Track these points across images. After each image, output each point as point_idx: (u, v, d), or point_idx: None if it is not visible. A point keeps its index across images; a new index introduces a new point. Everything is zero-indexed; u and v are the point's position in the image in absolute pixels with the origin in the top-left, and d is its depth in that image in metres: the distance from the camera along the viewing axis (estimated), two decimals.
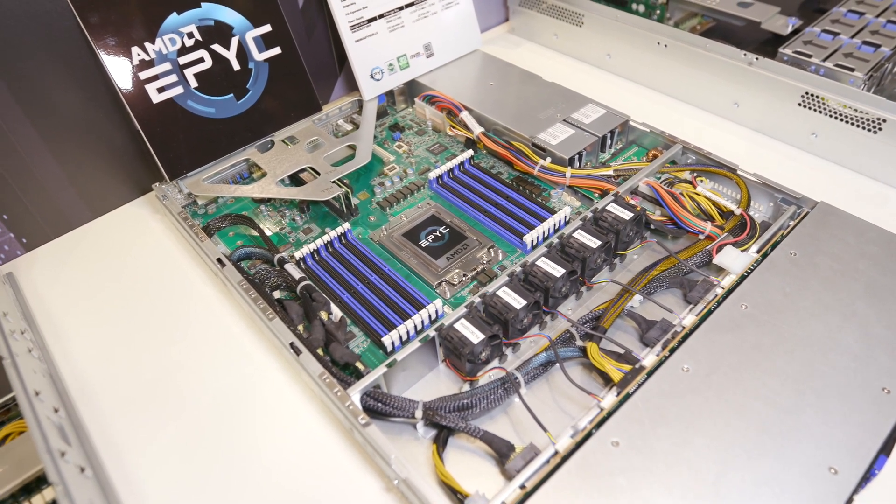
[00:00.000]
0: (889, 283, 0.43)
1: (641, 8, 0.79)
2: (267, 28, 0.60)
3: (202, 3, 0.56)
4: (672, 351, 0.40)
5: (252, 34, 0.59)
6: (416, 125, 0.67)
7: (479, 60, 0.72)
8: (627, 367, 0.40)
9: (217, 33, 0.57)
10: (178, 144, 0.57)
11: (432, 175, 0.58)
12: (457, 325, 0.42)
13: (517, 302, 0.43)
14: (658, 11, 0.78)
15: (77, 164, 0.57)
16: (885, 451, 0.36)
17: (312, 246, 0.52)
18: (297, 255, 0.51)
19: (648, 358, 0.40)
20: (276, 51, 0.61)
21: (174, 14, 0.55)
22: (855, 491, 0.34)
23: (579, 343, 0.44)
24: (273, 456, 0.41)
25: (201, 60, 0.57)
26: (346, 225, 0.54)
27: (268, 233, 0.56)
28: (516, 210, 0.55)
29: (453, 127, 0.63)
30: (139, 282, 0.54)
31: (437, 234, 0.53)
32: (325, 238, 0.52)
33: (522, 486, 0.35)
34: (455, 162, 0.59)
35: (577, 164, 0.57)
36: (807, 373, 0.38)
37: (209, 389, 0.45)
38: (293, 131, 0.63)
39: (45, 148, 0.55)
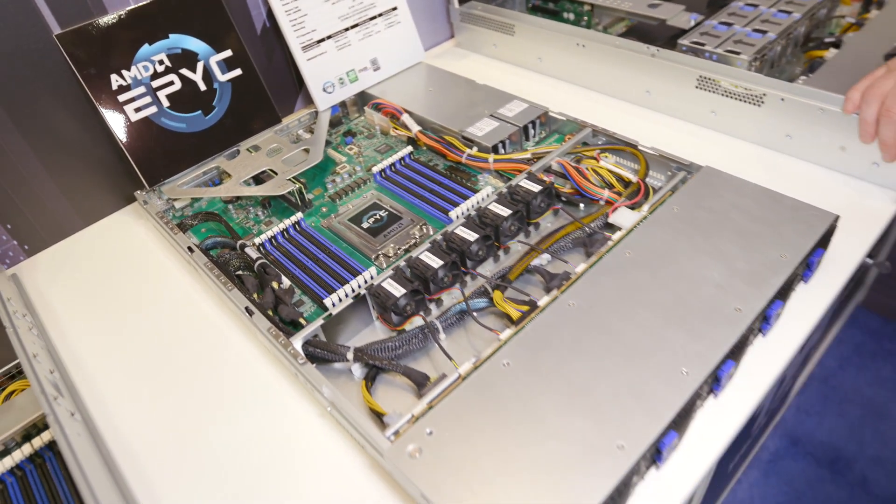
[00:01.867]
0: (755, 228, 0.50)
1: (572, 16, 0.87)
2: (228, 53, 0.69)
3: (170, 35, 0.65)
4: (563, 292, 0.47)
5: (215, 59, 0.68)
6: (366, 130, 0.76)
7: (422, 71, 0.81)
8: (526, 308, 0.48)
9: (184, 59, 0.67)
10: (155, 156, 0.66)
11: (376, 169, 0.66)
12: (384, 284, 0.50)
13: (435, 262, 0.51)
14: (586, 18, 0.86)
15: (68, 179, 0.66)
16: (732, 357, 0.43)
17: (270, 233, 0.60)
18: (257, 241, 0.59)
19: (543, 300, 0.47)
20: (238, 72, 0.70)
21: (146, 45, 0.64)
22: (702, 387, 0.40)
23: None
24: (232, 396, 0.48)
25: (172, 83, 0.66)
26: (300, 215, 0.62)
27: (234, 226, 0.64)
28: (447, 193, 0.62)
29: (396, 128, 0.72)
30: (125, 275, 0.62)
31: (377, 216, 0.61)
32: (282, 226, 0.61)
33: (429, 404, 0.42)
34: (396, 157, 0.67)
35: (500, 151, 0.65)
36: (675, 302, 0.45)
37: (182, 350, 0.53)
38: (256, 141, 0.71)
39: (39, 164, 0.63)
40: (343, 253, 0.58)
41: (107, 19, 0.62)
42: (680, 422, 0.39)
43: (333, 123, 0.77)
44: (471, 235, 0.53)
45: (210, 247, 0.61)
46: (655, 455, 0.39)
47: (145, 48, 0.64)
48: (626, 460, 0.36)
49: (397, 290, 0.49)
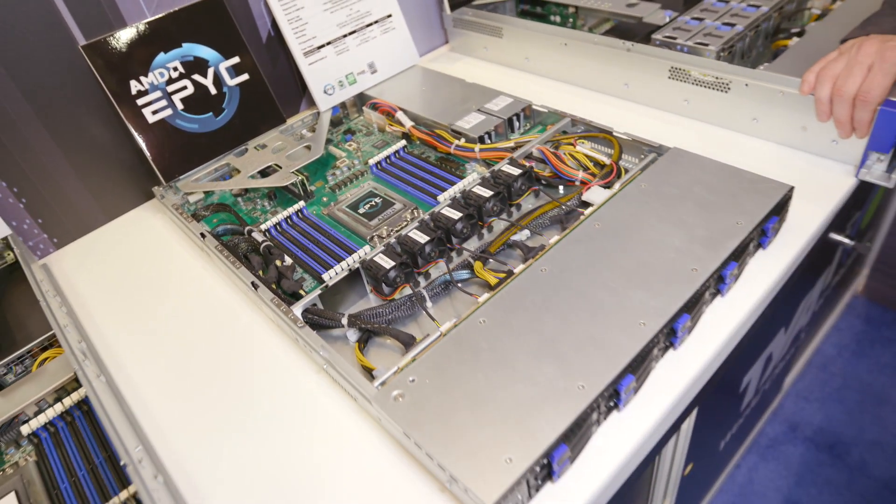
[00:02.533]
0: (715, 199, 0.54)
1: (558, 19, 0.93)
2: (236, 59, 0.75)
3: (183, 44, 0.72)
4: (536, 260, 0.52)
5: (224, 65, 0.75)
6: (364, 128, 0.81)
7: (417, 73, 0.86)
8: (503, 276, 0.52)
9: (196, 66, 0.73)
10: (170, 155, 0.72)
11: (372, 161, 0.72)
12: (376, 258, 0.55)
13: (422, 238, 0.56)
14: (571, 20, 0.92)
15: (93, 177, 0.72)
16: (688, 311, 0.47)
17: (275, 220, 0.66)
18: (263, 227, 0.65)
19: (519, 268, 0.52)
20: (245, 77, 0.76)
21: (162, 53, 0.71)
22: (658, 337, 0.45)
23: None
24: (240, 360, 0.54)
25: (185, 88, 0.72)
26: (302, 203, 0.67)
27: (243, 216, 0.69)
28: (437, 181, 0.67)
29: (391, 125, 0.77)
30: (145, 263, 0.68)
31: (372, 203, 0.66)
32: (285, 214, 0.66)
33: (413, 357, 0.47)
34: (391, 150, 0.73)
35: (487, 141, 0.70)
36: (637, 265, 0.50)
37: (195, 323, 0.58)
38: (263, 140, 0.77)
39: (67, 164, 0.70)
40: (341, 235, 0.63)
41: (126, 31, 0.68)
42: (637, 367, 0.43)
43: (335, 123, 0.83)
44: (455, 214, 0.58)
45: (221, 234, 0.67)
46: (615, 397, 0.43)
47: (161, 56, 0.71)
48: (585, 398, 0.41)
49: (387, 263, 0.54)
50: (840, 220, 0.82)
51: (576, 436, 0.40)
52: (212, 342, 0.57)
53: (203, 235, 0.64)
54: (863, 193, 0.90)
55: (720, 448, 0.90)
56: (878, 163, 0.59)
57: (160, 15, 0.70)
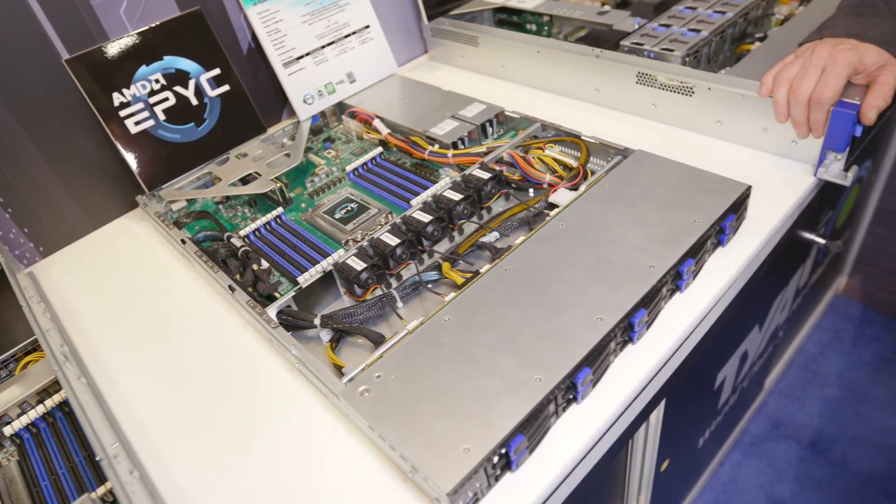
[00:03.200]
0: (675, 199, 0.56)
1: (534, 27, 0.95)
2: (217, 71, 0.77)
3: (164, 57, 0.74)
4: (501, 260, 0.54)
5: (205, 76, 0.77)
6: (343, 136, 0.83)
7: (395, 82, 0.88)
8: (470, 276, 0.54)
9: (177, 78, 0.75)
10: (153, 164, 0.74)
11: (349, 168, 0.74)
12: (348, 260, 0.57)
13: (393, 241, 0.58)
14: (546, 28, 0.94)
15: (78, 187, 0.74)
16: (644, 306, 0.48)
17: (254, 226, 0.68)
18: (242, 233, 0.67)
19: (485, 268, 0.54)
20: (226, 88, 0.78)
21: (144, 66, 0.73)
22: (615, 331, 0.46)
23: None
24: (217, 360, 0.55)
25: (167, 99, 0.75)
26: (280, 209, 0.69)
27: (224, 223, 0.71)
28: (412, 186, 0.69)
29: (368, 132, 0.79)
30: (129, 270, 0.70)
31: (348, 208, 0.68)
32: (264, 220, 0.68)
33: (380, 355, 0.48)
34: (367, 157, 0.75)
35: (460, 147, 0.72)
36: (599, 262, 0.51)
37: (175, 325, 0.60)
38: (244, 149, 0.79)
39: (52, 174, 0.72)
40: (318, 240, 0.65)
41: (109, 45, 0.71)
42: (594, 360, 0.45)
43: (315, 131, 0.85)
44: (426, 217, 0.60)
45: (201, 240, 0.68)
46: (573, 390, 0.45)
47: (143, 69, 0.73)
48: (541, 390, 0.42)
49: (358, 265, 0.56)
50: (810, 218, 0.85)
51: (533, 426, 0.42)
52: (191, 344, 0.58)
53: (183, 241, 0.66)
54: (833, 193, 0.92)
55: (699, 445, 0.92)
56: (836, 161, 0.61)
57: (142, 29, 0.73)
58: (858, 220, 1.20)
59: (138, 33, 0.72)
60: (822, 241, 0.89)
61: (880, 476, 1.06)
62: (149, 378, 0.55)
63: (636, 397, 0.50)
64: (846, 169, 0.61)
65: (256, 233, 0.68)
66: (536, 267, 0.52)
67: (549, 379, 0.43)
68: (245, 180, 0.75)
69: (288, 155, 0.77)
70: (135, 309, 0.64)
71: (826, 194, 0.87)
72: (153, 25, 0.73)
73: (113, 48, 0.71)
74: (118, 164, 0.75)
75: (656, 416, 0.63)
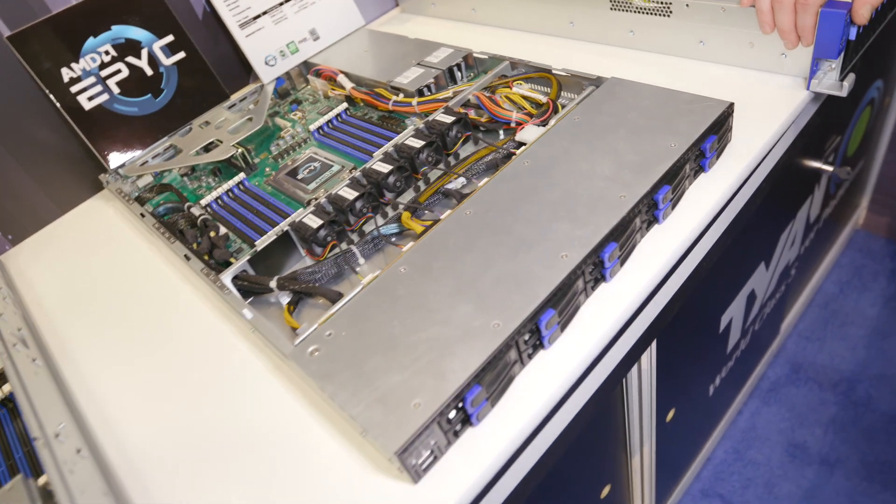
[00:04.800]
0: (649, 124, 0.52)
1: None
2: (170, 38, 0.74)
3: (112, 26, 0.71)
4: (462, 204, 0.50)
5: (158, 44, 0.73)
6: (311, 97, 0.80)
7: (362, 36, 0.84)
8: (430, 223, 0.50)
9: (129, 48, 0.72)
10: (112, 140, 0.71)
11: (313, 127, 0.70)
12: (304, 219, 0.54)
13: (351, 195, 0.54)
14: None
15: (40, 170, 0.72)
16: (615, 239, 0.44)
17: (215, 194, 0.65)
18: (203, 202, 0.64)
19: (446, 213, 0.50)
20: (181, 55, 0.75)
21: (91, 38, 0.70)
22: (582, 268, 0.42)
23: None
24: (178, 331, 0.53)
25: (119, 71, 0.71)
26: (242, 175, 0.66)
27: (189, 194, 0.69)
28: (379, 140, 0.65)
29: (333, 89, 0.75)
30: (98, 252, 0.67)
31: (311, 167, 0.65)
32: (225, 187, 0.65)
33: (333, 312, 0.45)
34: (332, 114, 0.71)
35: (426, 94, 0.68)
36: (563, 197, 0.47)
37: (139, 299, 0.58)
38: (207, 117, 0.76)
39: (12, 159, 0.70)
40: (280, 203, 0.62)
41: (51, 18, 0.67)
42: (558, 301, 0.41)
43: (282, 94, 0.81)
44: (385, 168, 0.56)
45: (163, 213, 0.66)
46: (537, 335, 0.41)
47: (91, 41, 0.70)
48: (499, 335, 0.39)
49: (314, 222, 0.53)
50: (813, 144, 0.79)
51: (491, 376, 0.39)
52: (153, 319, 0.56)
53: (143, 216, 0.63)
54: (839, 116, 0.85)
55: (710, 393, 0.88)
56: (830, 71, 0.55)
57: None
58: (873, 147, 1.13)
59: (81, 3, 0.69)
60: (828, 168, 0.83)
61: None
62: (109, 357, 0.53)
63: (615, 340, 0.46)
64: (842, 78, 0.55)
65: (219, 201, 0.65)
66: (498, 208, 0.48)
67: (508, 323, 0.39)
68: (208, 149, 0.72)
69: (251, 119, 0.73)
70: (99, 290, 0.62)
71: (831, 117, 0.81)
72: None
73: (56, 21, 0.68)
74: (78, 144, 0.73)
75: (648, 360, 0.59)
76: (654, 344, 0.58)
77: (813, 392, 1.08)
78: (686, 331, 0.68)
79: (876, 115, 1.04)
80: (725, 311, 0.77)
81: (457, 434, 0.39)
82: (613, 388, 0.53)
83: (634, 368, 0.59)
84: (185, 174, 0.72)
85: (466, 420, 0.39)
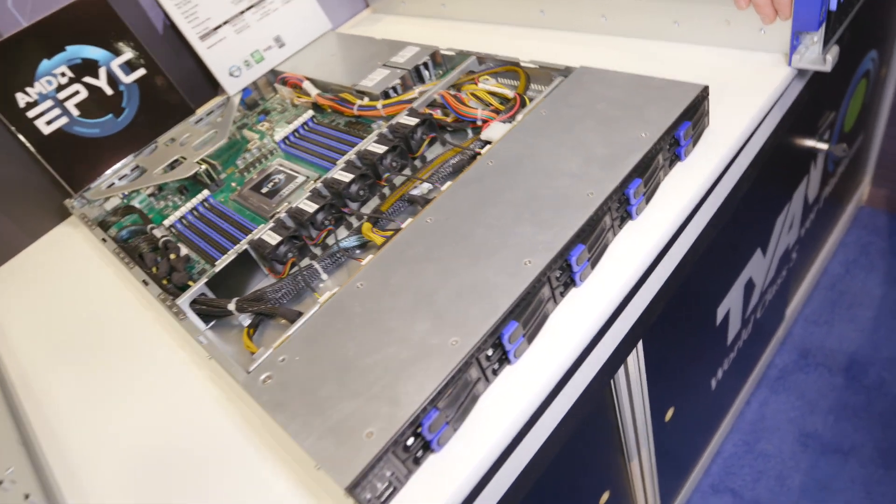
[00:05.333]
0: (619, 114, 0.49)
1: None
2: (129, 55, 0.72)
3: (67, 47, 0.69)
4: (424, 211, 0.47)
5: (116, 62, 0.71)
6: (280, 106, 0.77)
7: (330, 40, 0.81)
8: (391, 233, 0.48)
9: (85, 68, 0.70)
10: (75, 164, 0.69)
11: (278, 137, 0.68)
12: (262, 235, 0.51)
13: (311, 207, 0.52)
14: None
15: (5, 201, 0.70)
16: (582, 241, 0.41)
17: (179, 214, 0.62)
18: (167, 223, 0.62)
19: (407, 222, 0.47)
20: (142, 72, 0.73)
21: (45, 60, 0.68)
22: (546, 275, 0.39)
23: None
24: (138, 358, 0.51)
25: (78, 93, 0.69)
26: (206, 192, 0.64)
27: (156, 215, 0.66)
28: (344, 147, 0.63)
29: (299, 97, 0.73)
30: (62, 279, 0.66)
31: (276, 180, 0.62)
32: (189, 206, 0.63)
33: (288, 335, 0.43)
34: (297, 123, 0.68)
35: (392, 96, 0.65)
36: (527, 199, 0.44)
37: (100, 328, 0.56)
38: (172, 134, 0.74)
39: None
40: (244, 219, 0.59)
41: (1, 42, 0.65)
42: (521, 312, 0.39)
43: (250, 105, 0.79)
44: (346, 177, 0.53)
45: (126, 237, 0.64)
46: (500, 349, 0.39)
47: (45, 63, 0.68)
48: (457, 354, 0.36)
49: (273, 239, 0.50)
50: (804, 121, 0.75)
51: (448, 397, 0.36)
52: (117, 347, 0.54)
53: (104, 240, 0.61)
54: (832, 91, 0.81)
55: (712, 387, 0.84)
56: (812, 45, 0.52)
57: (36, 20, 0.67)
58: (872, 121, 1.08)
59: (33, 25, 0.67)
60: (823, 146, 0.79)
61: None
62: (71, 392, 0.51)
63: (592, 346, 0.43)
64: (825, 52, 0.52)
65: (184, 221, 0.63)
66: (460, 214, 0.45)
67: (467, 340, 0.37)
68: (173, 167, 0.69)
69: (217, 133, 0.71)
70: (65, 321, 0.60)
71: (821, 93, 0.77)
72: (48, 15, 0.68)
73: (6, 46, 0.66)
74: (40, 171, 0.71)
75: (635, 363, 0.56)
76: (639, 345, 0.55)
77: (823, 378, 1.04)
78: (677, 328, 0.65)
79: (873, 87, 0.99)
80: (721, 302, 0.74)
81: (417, 462, 0.36)
82: (597, 394, 0.50)
83: (621, 372, 0.56)
84: (153, 194, 0.70)
85: (427, 446, 0.36)
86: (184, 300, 0.49)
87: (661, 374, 0.64)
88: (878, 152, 1.15)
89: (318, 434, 0.35)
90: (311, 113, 0.69)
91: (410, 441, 0.35)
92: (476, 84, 0.59)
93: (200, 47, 0.74)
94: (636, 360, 0.56)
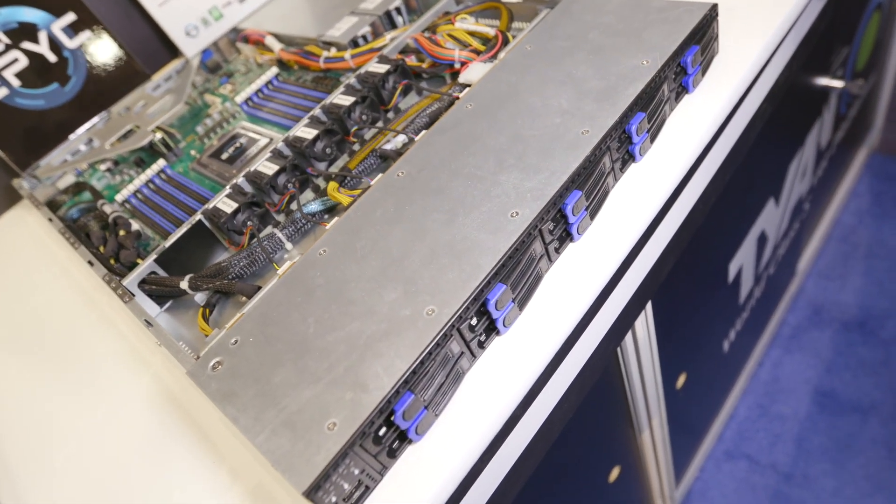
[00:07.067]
0: (614, 42, 0.42)
1: None
2: (71, 17, 0.65)
3: (0, 9, 0.62)
4: (394, 165, 0.41)
5: (58, 25, 0.64)
6: (244, 67, 0.70)
7: None
8: (358, 192, 0.42)
9: (23, 32, 0.63)
10: (20, 139, 0.63)
11: (239, 99, 0.61)
12: (218, 203, 0.45)
13: (270, 169, 0.46)
14: None
15: None
16: (579, 186, 0.36)
17: (132, 187, 0.56)
18: (119, 198, 0.56)
19: (377, 178, 0.41)
20: (88, 35, 0.66)
21: None
22: (536, 228, 0.34)
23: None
24: (87, 347, 0.46)
25: (16, 60, 0.63)
26: (162, 162, 0.58)
27: (112, 190, 0.60)
28: (311, 104, 0.57)
29: (262, 54, 0.66)
30: (13, 263, 0.60)
31: (237, 145, 0.56)
32: (143, 178, 0.57)
33: (243, 313, 0.37)
34: (260, 82, 0.62)
35: (361, 45, 0.58)
36: (512, 142, 0.38)
37: (49, 317, 0.51)
38: (126, 103, 0.67)
39: None
40: (205, 190, 0.53)
41: None
42: (510, 273, 0.33)
43: (212, 68, 0.72)
44: (309, 133, 0.47)
45: (76, 216, 0.58)
46: (488, 317, 0.33)
47: None
48: (434, 325, 0.31)
49: (229, 207, 0.44)
50: (817, 57, 0.68)
51: (424, 379, 0.30)
52: (66, 337, 0.49)
53: (51, 220, 0.55)
54: (846, 23, 0.74)
55: (724, 349, 0.79)
56: None
57: None
58: (885, 59, 1.01)
59: None
60: (838, 84, 0.73)
61: None
62: (14, 389, 0.46)
63: (594, 311, 0.37)
64: None
65: (139, 195, 0.57)
66: (434, 166, 0.39)
67: (445, 308, 0.31)
68: (127, 137, 0.63)
69: (175, 99, 0.65)
70: (10, 311, 0.54)
71: (835, 24, 0.70)
72: None
73: None
74: None
75: (644, 327, 0.51)
76: (648, 307, 0.49)
77: (838, 334, 0.99)
78: (688, 287, 0.59)
79: (885, 21, 0.92)
80: (733, 258, 0.68)
81: (393, 454, 0.31)
82: (603, 364, 0.45)
83: (628, 338, 0.50)
84: (109, 169, 0.64)
85: (404, 436, 0.31)
86: (130, 280, 0.43)
87: (672, 339, 0.58)
88: (890, 93, 1.08)
89: (271, 428, 0.30)
90: (275, 70, 0.63)
91: (382, 431, 0.29)
92: (453, 24, 0.53)
93: (151, 4, 0.67)
94: (645, 323, 0.50)
